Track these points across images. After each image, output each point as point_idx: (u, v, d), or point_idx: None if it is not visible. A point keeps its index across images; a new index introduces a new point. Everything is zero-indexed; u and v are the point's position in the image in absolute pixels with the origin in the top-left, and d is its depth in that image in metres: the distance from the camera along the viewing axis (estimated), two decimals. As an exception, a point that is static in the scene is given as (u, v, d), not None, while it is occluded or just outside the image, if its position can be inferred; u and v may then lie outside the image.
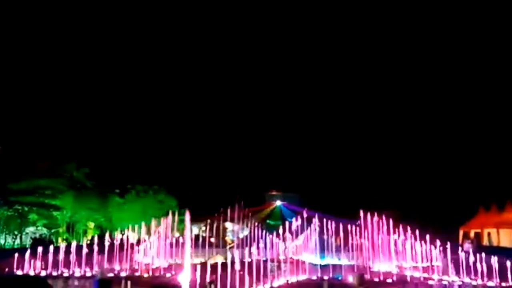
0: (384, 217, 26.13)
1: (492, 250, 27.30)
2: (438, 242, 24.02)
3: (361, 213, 26.49)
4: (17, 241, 39.21)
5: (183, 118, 62.10)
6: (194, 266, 17.99)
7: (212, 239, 33.09)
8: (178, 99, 65.36)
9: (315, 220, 28.29)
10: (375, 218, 26.19)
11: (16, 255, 22.36)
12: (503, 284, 19.79)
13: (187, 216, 19.03)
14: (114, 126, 54.92)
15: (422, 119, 61.19)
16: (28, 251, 23.06)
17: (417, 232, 25.15)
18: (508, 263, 20.04)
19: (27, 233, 39.95)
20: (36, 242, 35.55)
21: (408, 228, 25.64)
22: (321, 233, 27.98)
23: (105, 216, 42.91)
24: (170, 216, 28.74)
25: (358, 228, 27.06)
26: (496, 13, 58.40)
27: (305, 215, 28.74)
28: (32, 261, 22.52)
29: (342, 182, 52.29)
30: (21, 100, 48.74)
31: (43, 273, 21.88)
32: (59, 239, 39.02)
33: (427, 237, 24.61)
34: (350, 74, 69.05)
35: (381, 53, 69.27)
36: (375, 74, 68.94)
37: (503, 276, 19.98)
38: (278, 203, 49.69)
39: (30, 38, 57.19)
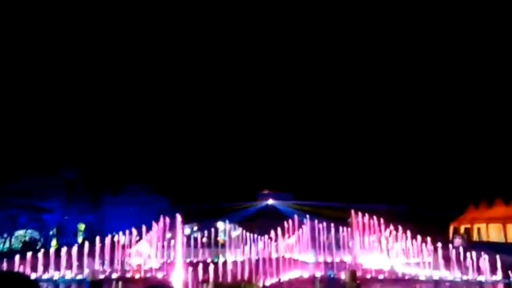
0: (374, 218, 26.36)
1: (482, 245, 27.59)
2: (428, 238, 24.21)
3: (352, 213, 26.67)
4: (7, 244, 38.79)
5: (175, 118, 61.90)
6: (186, 266, 17.97)
7: (204, 239, 33.05)
8: (170, 98, 65.16)
9: (306, 224, 28.46)
10: (366, 218, 26.42)
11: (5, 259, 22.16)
12: (493, 278, 20.00)
13: (179, 219, 19.08)
14: (106, 126, 54.53)
15: (413, 116, 61.58)
16: (18, 254, 22.81)
17: (407, 230, 25.35)
18: (497, 257, 20.30)
19: (17, 236, 39.55)
20: (26, 245, 35.21)
21: (399, 227, 25.85)
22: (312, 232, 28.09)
23: (97, 217, 42.66)
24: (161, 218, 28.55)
25: (348, 228, 27.25)
26: (496, 13, 58.80)
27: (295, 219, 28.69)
28: (22, 264, 22.29)
29: (334, 179, 52.36)
30: (11, 100, 48.14)
31: (33, 276, 21.65)
32: (50, 242, 38.68)
33: (418, 233, 24.81)
34: (343, 71, 69.25)
35: (375, 49, 69.51)
36: (368, 70, 69.20)
37: (493, 270, 20.21)
38: (270, 201, 49.75)
39: (22, 38, 56.51)
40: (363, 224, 26.38)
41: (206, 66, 71.92)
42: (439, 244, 22.98)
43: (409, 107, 62.11)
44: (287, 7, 76.78)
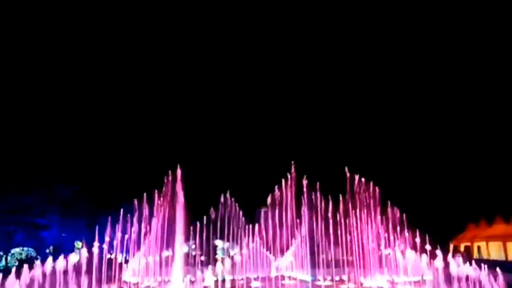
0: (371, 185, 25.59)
1: (482, 263, 27.27)
2: (428, 256, 24.00)
3: (346, 171, 25.73)
4: (3, 262, 38.35)
5: (173, 134, 61.92)
6: (184, 285, 17.76)
7: (202, 257, 32.73)
8: (168, 114, 65.26)
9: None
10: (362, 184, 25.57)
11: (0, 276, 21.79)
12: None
13: (177, 236, 18.94)
14: (104, 142, 54.39)
15: (411, 133, 61.65)
16: (13, 272, 22.45)
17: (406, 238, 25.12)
18: (499, 275, 20.07)
19: (13, 254, 39.11)
20: (22, 263, 34.71)
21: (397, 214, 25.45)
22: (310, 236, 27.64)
23: (94, 235, 42.18)
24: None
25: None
26: (496, 13, 58.92)
27: None
28: (17, 282, 21.93)
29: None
30: (9, 115, 48.09)
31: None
32: (47, 259, 38.22)
33: (418, 250, 24.61)
34: (345, 78, 69.17)
35: (377, 52, 69.47)
36: (369, 80, 69.13)
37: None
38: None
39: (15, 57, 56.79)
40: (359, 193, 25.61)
41: (203, 84, 72.36)
42: (439, 262, 22.72)
43: (409, 123, 62.32)
44: (288, 7, 76.75)
